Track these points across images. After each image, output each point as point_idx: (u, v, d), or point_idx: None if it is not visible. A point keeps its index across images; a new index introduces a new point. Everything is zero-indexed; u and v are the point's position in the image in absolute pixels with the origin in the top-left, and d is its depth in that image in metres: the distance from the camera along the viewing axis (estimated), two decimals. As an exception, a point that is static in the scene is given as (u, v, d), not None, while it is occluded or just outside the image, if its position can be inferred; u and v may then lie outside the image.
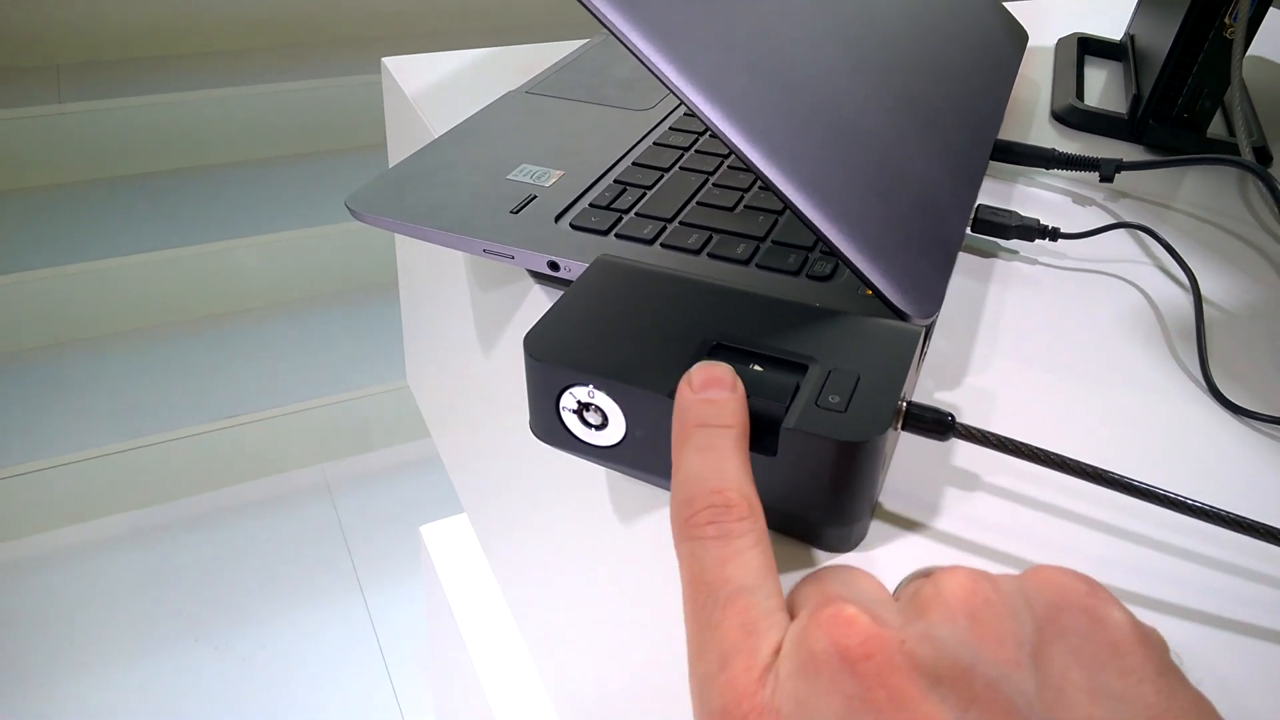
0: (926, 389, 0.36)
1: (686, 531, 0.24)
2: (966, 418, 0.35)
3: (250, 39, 1.96)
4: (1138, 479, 0.27)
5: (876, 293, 0.32)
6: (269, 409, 1.66)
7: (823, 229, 0.31)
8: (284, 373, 1.73)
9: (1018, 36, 0.57)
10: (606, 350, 0.29)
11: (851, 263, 0.31)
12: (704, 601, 0.22)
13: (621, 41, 0.29)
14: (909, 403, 0.29)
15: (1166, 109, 0.55)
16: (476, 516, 0.61)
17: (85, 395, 1.63)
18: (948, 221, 0.37)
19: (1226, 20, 0.53)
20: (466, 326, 0.50)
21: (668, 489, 0.32)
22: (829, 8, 0.39)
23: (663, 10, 0.30)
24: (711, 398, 0.26)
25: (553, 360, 0.29)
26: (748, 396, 0.27)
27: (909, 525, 0.30)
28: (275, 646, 1.45)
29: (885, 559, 0.29)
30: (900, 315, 0.32)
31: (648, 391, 0.28)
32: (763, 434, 0.27)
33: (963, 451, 0.33)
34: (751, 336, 0.30)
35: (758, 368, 0.29)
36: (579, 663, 0.41)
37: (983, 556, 0.29)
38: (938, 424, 0.29)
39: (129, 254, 1.66)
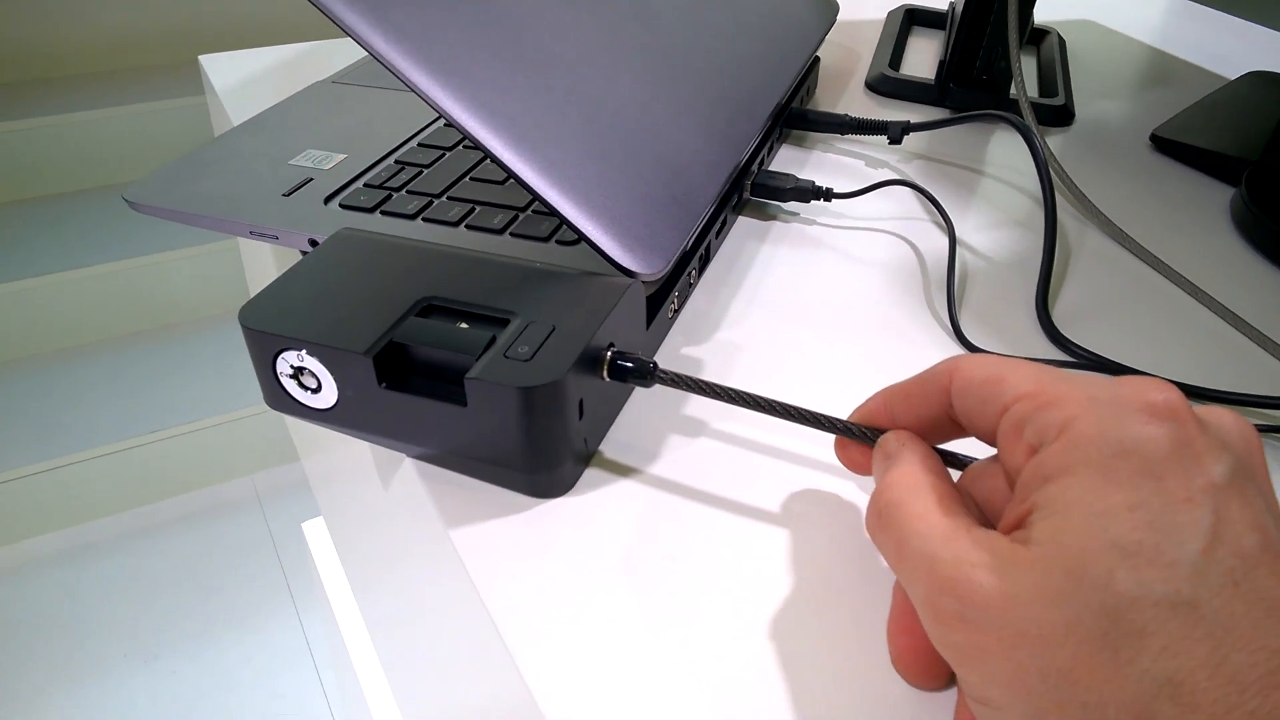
0: (675, 345, 0.37)
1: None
2: (710, 369, 0.36)
3: (152, 55, 1.93)
4: (821, 410, 0.29)
5: (594, 247, 0.33)
6: (196, 421, 1.65)
7: (536, 186, 0.32)
8: (209, 385, 1.72)
9: (825, 8, 0.59)
10: (313, 314, 0.30)
11: (565, 217, 0.32)
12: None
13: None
14: (614, 351, 0.30)
15: (965, 72, 0.57)
16: (330, 520, 0.61)
17: (6, 417, 1.61)
18: (691, 182, 0.38)
19: (1013, -15, 0.54)
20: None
21: (391, 449, 0.33)
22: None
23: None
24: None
25: (262, 327, 0.30)
26: (445, 349, 0.28)
27: (624, 471, 0.31)
28: (207, 659, 1.44)
29: (595, 503, 0.30)
30: (625, 271, 0.33)
31: (345, 351, 0.29)
32: (457, 386, 0.28)
33: (697, 403, 0.34)
34: (463, 295, 0.31)
35: (464, 325, 0.30)
36: (422, 671, 0.42)
37: (692, 499, 0.30)
38: (640, 371, 0.30)
39: (44, 274, 1.64)
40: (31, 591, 1.52)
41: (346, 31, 0.30)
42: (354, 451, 0.40)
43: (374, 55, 0.31)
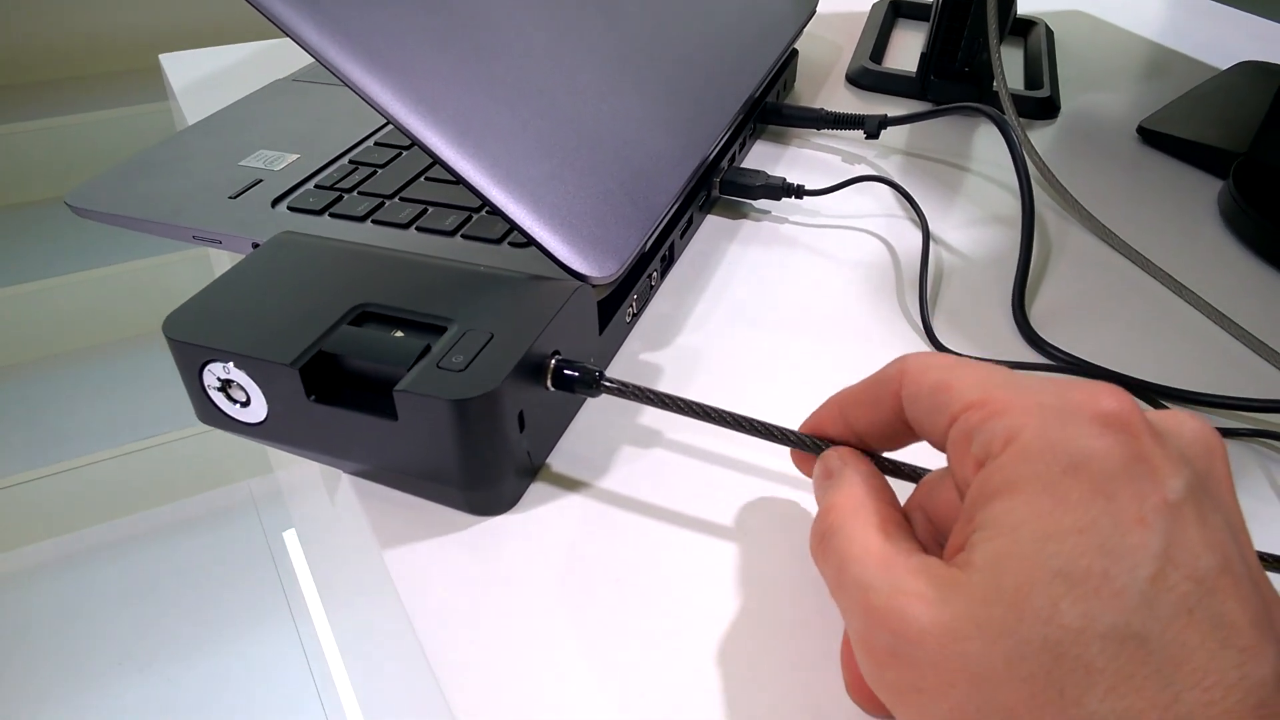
0: (634, 351, 0.36)
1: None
2: (669, 376, 0.35)
3: (121, 59, 1.92)
4: (774, 421, 0.27)
5: (541, 249, 0.31)
6: (191, 427, 1.63)
7: (477, 183, 0.30)
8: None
9: (800, 2, 0.57)
10: (241, 324, 0.28)
11: (509, 217, 0.31)
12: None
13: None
14: (559, 360, 0.29)
15: (947, 64, 0.55)
16: (300, 531, 0.60)
17: (1, 423, 1.59)
18: (651, 180, 0.36)
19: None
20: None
21: (328, 465, 0.31)
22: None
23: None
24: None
25: (186, 337, 0.28)
26: (375, 360, 0.27)
27: (572, 485, 0.30)
28: (203, 666, 1.43)
29: (538, 521, 0.28)
30: (576, 275, 0.32)
31: (271, 363, 0.27)
32: (388, 399, 0.27)
33: (653, 412, 0.33)
34: (400, 301, 0.29)
35: (398, 333, 0.28)
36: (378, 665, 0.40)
37: (642, 514, 0.29)
38: (586, 380, 0.29)
39: (38, 279, 1.63)
40: (26, 598, 1.51)
41: (275, 23, 0.29)
42: (305, 465, 0.38)
43: (305, 48, 0.29)
